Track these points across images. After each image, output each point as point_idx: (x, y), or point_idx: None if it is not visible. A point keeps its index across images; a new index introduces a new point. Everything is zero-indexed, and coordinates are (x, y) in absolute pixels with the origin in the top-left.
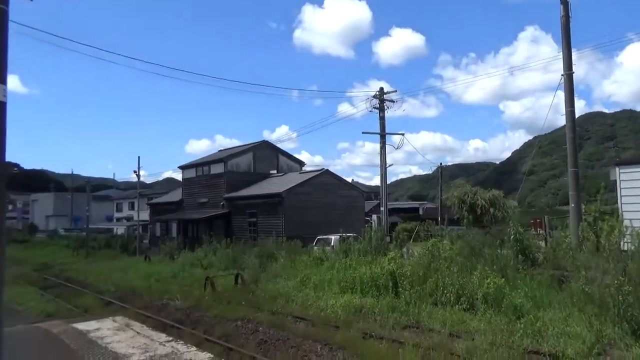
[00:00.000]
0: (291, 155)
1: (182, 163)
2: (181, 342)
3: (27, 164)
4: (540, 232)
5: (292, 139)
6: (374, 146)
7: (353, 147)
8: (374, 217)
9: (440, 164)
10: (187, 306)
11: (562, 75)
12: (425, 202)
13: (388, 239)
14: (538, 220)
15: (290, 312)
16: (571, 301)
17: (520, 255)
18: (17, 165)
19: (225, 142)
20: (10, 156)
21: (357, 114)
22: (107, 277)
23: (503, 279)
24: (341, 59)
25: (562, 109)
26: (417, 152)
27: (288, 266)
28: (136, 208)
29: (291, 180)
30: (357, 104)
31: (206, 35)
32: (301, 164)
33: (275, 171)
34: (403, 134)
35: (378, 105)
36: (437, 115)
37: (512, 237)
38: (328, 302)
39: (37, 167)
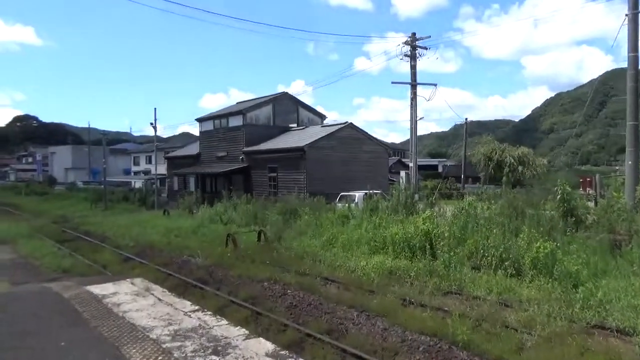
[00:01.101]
0: (312, 108)
1: (198, 117)
2: (208, 312)
3: (46, 117)
4: (590, 192)
5: (308, 93)
6: (391, 102)
7: (369, 103)
8: (402, 173)
9: (466, 119)
10: (209, 264)
11: (625, 15)
12: (445, 159)
13: (416, 197)
14: (588, 180)
15: (319, 273)
16: (632, 270)
17: (569, 217)
18: (35, 118)
19: (240, 96)
20: (29, 109)
21: (374, 69)
22: (125, 231)
23: (554, 243)
24: (358, 11)
25: (585, 65)
26: (449, 106)
27: (312, 224)
28: (153, 161)
29: (313, 133)
30: (374, 58)
31: None
32: (322, 117)
33: (295, 125)
34: (435, 85)
35: (409, 53)
36: (456, 71)
37: (558, 196)
38: (358, 263)
39: (56, 120)
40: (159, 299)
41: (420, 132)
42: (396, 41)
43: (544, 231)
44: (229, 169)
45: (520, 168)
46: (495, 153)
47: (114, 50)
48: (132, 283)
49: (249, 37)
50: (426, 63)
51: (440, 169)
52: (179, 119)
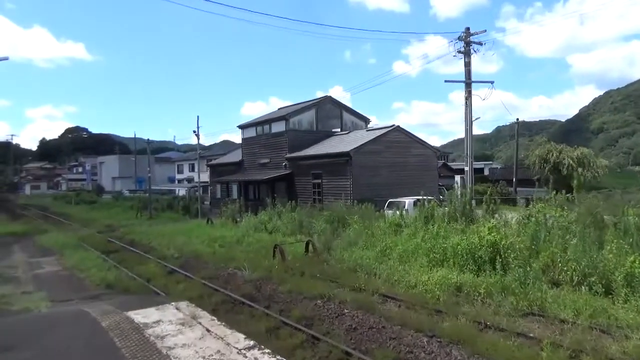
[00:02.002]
0: (356, 112)
1: (240, 124)
2: (267, 350)
3: (95, 129)
4: None
5: (346, 99)
6: (430, 105)
7: (408, 107)
8: (457, 178)
9: (517, 119)
10: (257, 277)
11: None
12: (491, 162)
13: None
14: None
15: (376, 289)
16: None
17: None
18: (85, 129)
19: (279, 104)
20: (79, 121)
21: (413, 72)
22: (169, 240)
23: None
24: (395, 14)
25: (636, 61)
26: (504, 106)
27: (363, 233)
28: (196, 169)
29: (358, 138)
30: (412, 61)
31: None
32: (366, 120)
33: (338, 129)
34: (492, 82)
35: (463, 49)
36: (497, 71)
37: None
38: (418, 277)
39: (104, 131)
40: (208, 330)
41: (460, 135)
42: (436, 43)
43: (634, 243)
44: (272, 176)
45: (579, 170)
46: (552, 154)
47: (158, 63)
48: (177, 308)
49: (288, 44)
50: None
51: (486, 172)
52: (220, 128)
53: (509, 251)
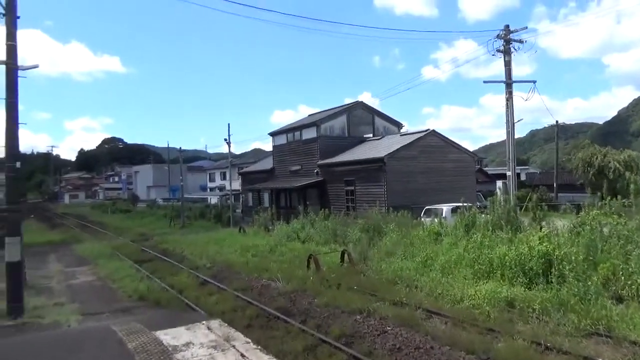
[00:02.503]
0: (388, 117)
1: (267, 137)
2: None
3: (130, 139)
4: None
5: (375, 105)
6: (461, 110)
7: (438, 112)
8: (499, 183)
9: (557, 121)
10: (291, 290)
11: None
12: (527, 166)
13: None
14: None
15: (419, 303)
16: None
17: None
18: (121, 140)
19: (308, 111)
20: (115, 132)
21: (442, 77)
22: (202, 250)
23: None
24: (424, 18)
25: None
26: (546, 108)
27: (401, 242)
28: (228, 177)
29: (392, 143)
30: (441, 66)
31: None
32: (399, 125)
33: (371, 135)
34: (534, 82)
35: (502, 48)
36: (531, 73)
37: None
38: (464, 291)
39: (139, 141)
40: (242, 355)
41: (493, 140)
42: (466, 47)
43: None
44: (303, 184)
45: (627, 174)
46: (596, 158)
47: (190, 73)
48: (208, 328)
49: (317, 51)
50: (497, 68)
51: (523, 177)
52: (251, 136)
53: (564, 262)
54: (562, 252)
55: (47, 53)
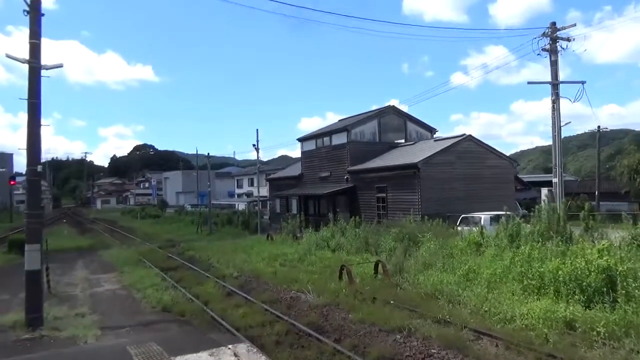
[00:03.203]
0: (421, 122)
1: (294, 143)
2: None
3: (161, 146)
4: None
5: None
6: (491, 116)
7: (467, 119)
8: (544, 191)
9: (599, 126)
10: (323, 303)
11: None
12: (564, 174)
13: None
14: None
15: (464, 322)
16: None
17: None
18: (152, 147)
19: (335, 118)
20: (146, 139)
21: (471, 83)
22: (229, 258)
23: None
24: (453, 24)
25: None
26: (592, 112)
27: (439, 253)
28: (255, 184)
29: (425, 148)
30: (471, 72)
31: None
32: (432, 130)
33: (402, 140)
34: (583, 83)
35: (549, 47)
36: (563, 78)
37: None
38: (515, 308)
39: (169, 148)
40: None
41: (523, 147)
42: (496, 52)
43: None
44: (332, 190)
45: None
46: None
47: (218, 82)
48: (235, 354)
49: (343, 58)
50: (528, 75)
51: None
52: (278, 142)
53: (628, 279)
54: (626, 267)
55: (83, 63)
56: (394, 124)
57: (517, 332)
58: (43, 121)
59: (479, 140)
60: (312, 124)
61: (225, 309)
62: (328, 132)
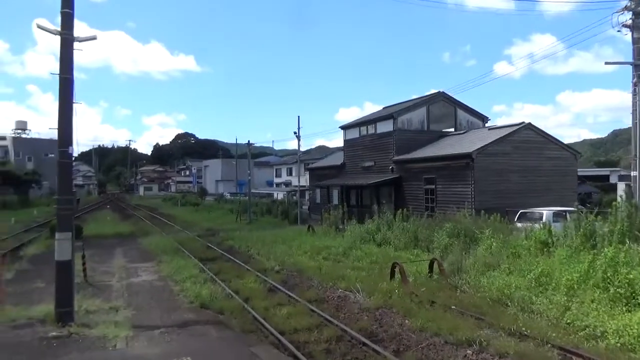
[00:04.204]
0: (472, 109)
1: (333, 132)
2: None
3: (201, 135)
4: None
5: None
6: (535, 108)
7: (510, 110)
8: (621, 185)
9: None
10: (375, 305)
11: None
12: (619, 168)
13: None
14: None
15: (544, 336)
16: None
17: None
18: (193, 135)
19: (373, 109)
20: (187, 128)
21: (516, 73)
22: (270, 249)
23: None
24: (498, 13)
25: None
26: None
27: (502, 253)
28: (294, 173)
29: (479, 137)
30: (515, 62)
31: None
32: (484, 119)
33: (452, 129)
34: None
35: (631, 22)
36: (614, 70)
37: None
38: (605, 322)
39: (209, 137)
40: None
41: (569, 140)
42: (543, 41)
43: None
44: (377, 181)
45: None
46: None
47: (258, 71)
48: None
49: (382, 46)
50: (577, 64)
51: (613, 179)
52: (316, 131)
53: None
54: None
55: (129, 53)
56: (443, 111)
57: (613, 353)
58: (85, 106)
59: (539, 129)
60: (350, 114)
61: (268, 307)
62: (373, 119)
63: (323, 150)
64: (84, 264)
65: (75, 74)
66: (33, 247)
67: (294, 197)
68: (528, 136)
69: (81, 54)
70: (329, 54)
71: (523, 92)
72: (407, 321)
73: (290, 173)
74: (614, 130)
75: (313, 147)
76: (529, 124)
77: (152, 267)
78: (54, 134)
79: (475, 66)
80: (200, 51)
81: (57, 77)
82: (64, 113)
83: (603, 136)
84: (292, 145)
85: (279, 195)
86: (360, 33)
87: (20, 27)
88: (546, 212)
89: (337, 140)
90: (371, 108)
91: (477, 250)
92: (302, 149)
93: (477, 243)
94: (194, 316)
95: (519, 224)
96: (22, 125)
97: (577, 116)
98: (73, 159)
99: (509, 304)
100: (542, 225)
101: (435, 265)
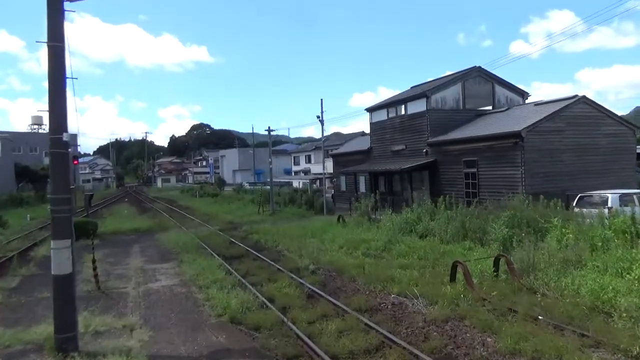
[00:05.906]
0: (511, 85)
1: (347, 118)
2: None
3: (216, 125)
4: None
5: None
6: (553, 87)
7: (528, 90)
8: None
9: None
10: (441, 316)
11: None
12: None
13: None
14: None
15: None
16: None
17: None
18: (208, 126)
19: (388, 93)
20: (203, 118)
21: (533, 52)
22: (300, 244)
23: None
24: None
25: None
26: None
27: (582, 246)
28: (312, 160)
29: (526, 114)
30: (533, 41)
31: None
32: (524, 95)
33: (490, 107)
34: None
35: None
36: (636, 45)
37: None
38: None
39: (225, 127)
40: None
41: None
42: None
43: None
44: (410, 165)
45: None
46: None
47: (270, 60)
48: None
49: (395, 29)
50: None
51: None
52: (330, 120)
53: None
54: None
55: (142, 46)
56: (479, 88)
57: None
58: (102, 100)
59: (595, 102)
60: (364, 100)
61: (312, 321)
62: (402, 99)
63: (339, 137)
64: (94, 268)
65: (91, 70)
66: (44, 248)
67: (314, 184)
68: (583, 110)
69: (95, 49)
70: (341, 40)
71: (540, 70)
72: (489, 339)
73: (308, 160)
74: (636, 107)
75: (328, 133)
76: (584, 97)
77: (172, 268)
78: (71, 128)
79: (491, 47)
80: (213, 41)
81: (46, 46)
82: (55, 91)
83: (625, 113)
84: (307, 133)
85: (300, 183)
86: (372, 17)
87: (35, 24)
88: (611, 196)
89: (351, 127)
90: (385, 93)
91: (547, 243)
92: (317, 135)
93: (544, 234)
94: (223, 340)
95: (578, 210)
96: (38, 121)
97: (598, 94)
98: (78, 148)
99: (614, 313)
100: (609, 210)
101: (503, 263)
